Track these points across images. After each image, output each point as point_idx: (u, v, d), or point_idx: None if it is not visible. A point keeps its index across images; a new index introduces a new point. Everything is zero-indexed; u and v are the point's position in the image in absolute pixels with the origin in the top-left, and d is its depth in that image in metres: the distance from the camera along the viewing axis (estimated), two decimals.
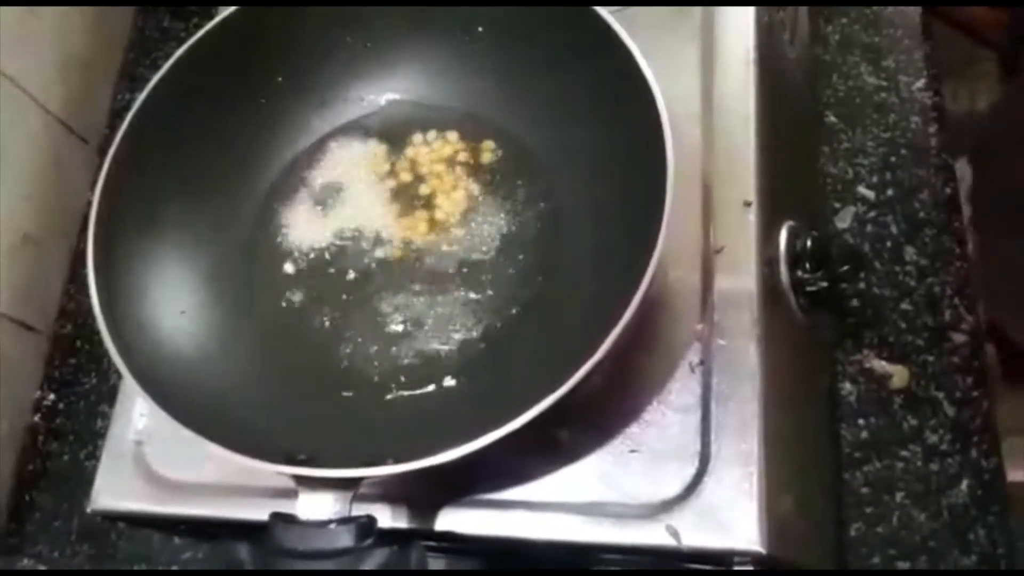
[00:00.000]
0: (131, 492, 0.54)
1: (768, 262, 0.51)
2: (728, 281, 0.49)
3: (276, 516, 0.42)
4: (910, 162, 0.68)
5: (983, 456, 0.58)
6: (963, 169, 0.90)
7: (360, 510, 0.43)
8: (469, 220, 0.55)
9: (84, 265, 0.50)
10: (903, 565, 0.57)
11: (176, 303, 0.53)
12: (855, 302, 0.64)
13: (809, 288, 0.53)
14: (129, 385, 0.47)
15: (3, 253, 0.73)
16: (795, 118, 0.65)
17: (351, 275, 0.55)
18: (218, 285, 0.55)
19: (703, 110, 0.54)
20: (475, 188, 0.56)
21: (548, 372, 0.43)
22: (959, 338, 0.62)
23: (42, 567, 0.69)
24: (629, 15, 0.52)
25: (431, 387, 0.51)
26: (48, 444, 0.74)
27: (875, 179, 0.68)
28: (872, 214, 0.67)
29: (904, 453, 0.59)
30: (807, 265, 0.53)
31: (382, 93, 0.61)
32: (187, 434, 0.44)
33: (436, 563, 0.52)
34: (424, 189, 0.57)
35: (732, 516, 0.44)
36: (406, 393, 0.51)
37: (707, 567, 0.47)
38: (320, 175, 0.59)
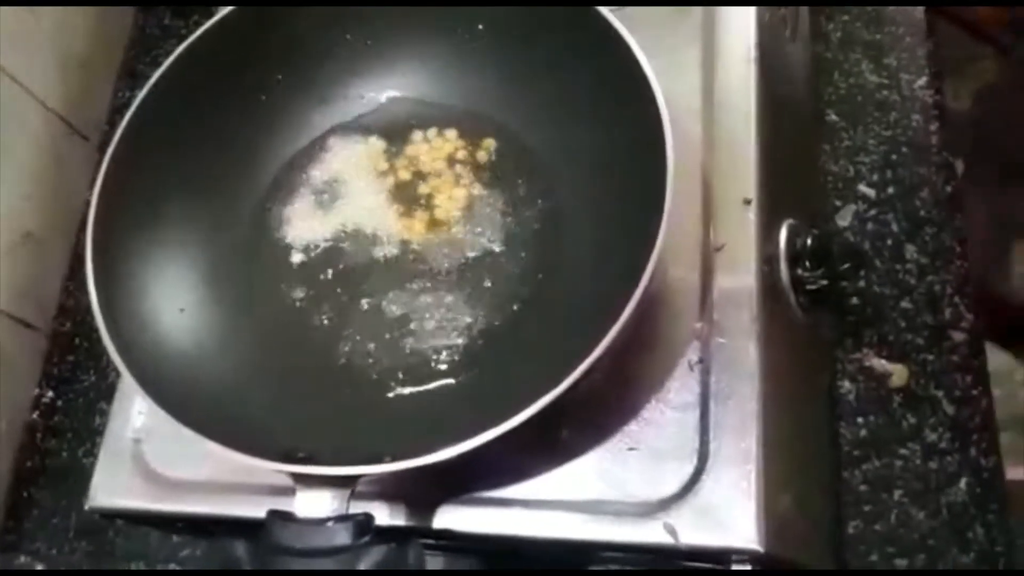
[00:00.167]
0: (129, 490, 0.54)
1: (768, 260, 0.50)
2: (728, 279, 0.49)
3: (273, 514, 0.42)
4: (911, 160, 0.68)
5: (982, 455, 0.58)
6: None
7: (358, 508, 0.43)
8: (469, 218, 0.55)
9: (83, 263, 0.50)
10: (902, 563, 0.57)
11: (175, 301, 0.53)
12: (855, 300, 0.64)
13: (809, 286, 0.53)
14: (128, 383, 0.47)
15: (3, 250, 0.73)
16: (796, 116, 0.65)
17: (351, 273, 0.55)
18: (217, 283, 0.55)
19: (704, 108, 0.54)
20: (475, 186, 0.56)
21: (547, 370, 0.43)
22: (959, 336, 0.62)
23: (39, 566, 0.69)
24: (629, 13, 0.52)
25: (430, 385, 0.51)
26: (47, 441, 0.74)
27: (876, 177, 0.68)
28: (873, 212, 0.67)
29: (903, 451, 0.59)
30: (807, 263, 0.53)
31: (382, 91, 0.61)
32: (185, 432, 0.44)
33: (434, 561, 0.52)
34: (424, 187, 0.57)
35: (730, 515, 0.44)
36: (405, 391, 0.51)
37: (705, 565, 0.47)
38: (320, 173, 0.59)
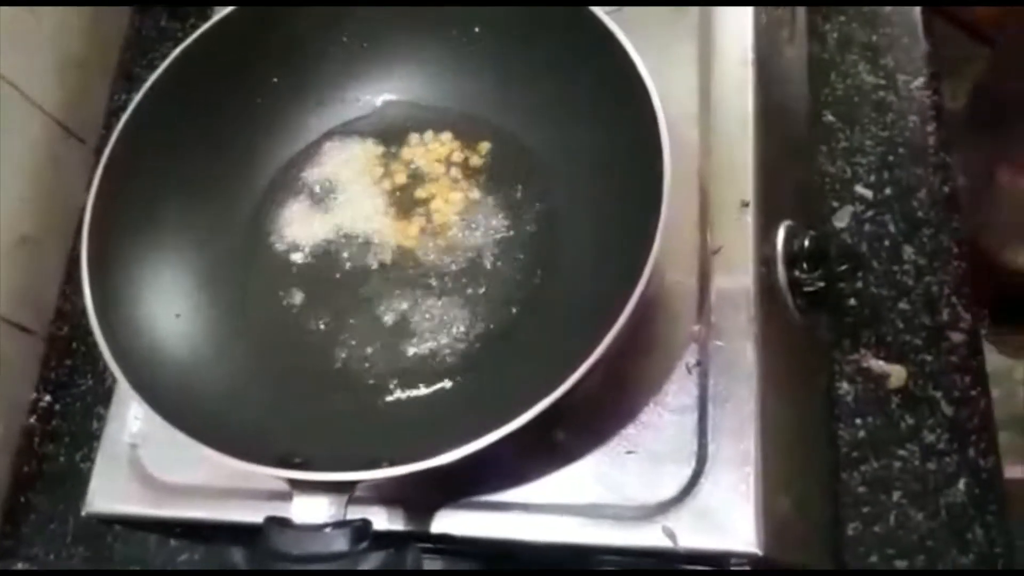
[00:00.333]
0: (126, 495, 0.54)
1: (765, 262, 0.50)
2: (725, 281, 0.49)
3: (271, 520, 0.42)
4: (908, 161, 0.68)
5: (981, 455, 0.58)
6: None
7: (356, 512, 0.43)
8: (466, 221, 0.55)
9: (80, 267, 0.50)
10: (901, 564, 0.57)
11: (171, 306, 0.53)
12: (853, 301, 0.64)
13: (807, 288, 0.53)
14: (124, 388, 0.47)
15: (0, 254, 0.73)
16: (793, 117, 0.65)
17: (347, 277, 0.55)
18: (213, 288, 0.55)
19: (700, 110, 0.54)
20: (472, 189, 0.56)
21: (545, 373, 0.43)
22: (957, 337, 0.62)
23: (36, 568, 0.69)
24: (626, 14, 0.52)
25: (427, 389, 0.51)
26: (44, 446, 0.74)
27: (873, 178, 0.68)
28: (870, 213, 0.66)
29: (902, 452, 0.59)
30: (805, 265, 0.53)
31: (379, 94, 0.61)
32: (182, 438, 0.44)
33: (432, 565, 0.52)
34: (421, 190, 0.57)
35: (729, 517, 0.44)
36: (402, 395, 0.51)
37: (704, 568, 0.47)
38: (317, 176, 0.59)
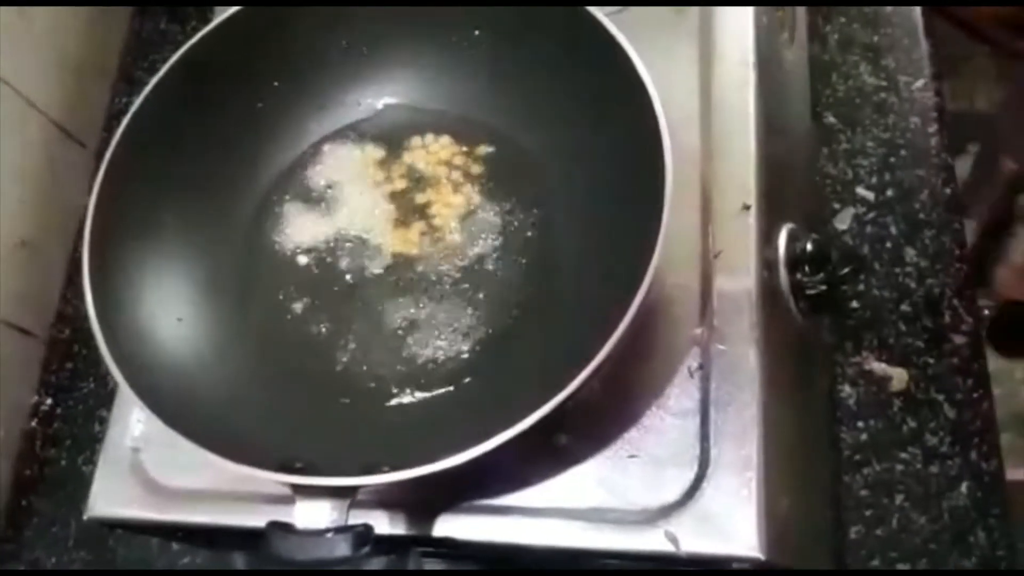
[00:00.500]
0: (128, 499, 0.53)
1: (767, 265, 0.50)
2: (727, 285, 0.49)
3: (273, 525, 0.42)
4: (910, 162, 0.68)
5: (983, 458, 0.58)
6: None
7: (358, 516, 0.43)
8: (466, 225, 0.55)
9: (81, 270, 0.50)
10: (903, 568, 0.57)
11: (173, 310, 0.53)
12: (854, 304, 0.64)
13: (809, 291, 0.53)
14: (126, 392, 0.47)
15: (0, 258, 0.73)
16: (794, 119, 0.65)
17: (348, 281, 0.55)
18: (215, 292, 0.55)
19: (701, 112, 0.54)
20: (472, 193, 0.56)
21: (547, 378, 0.43)
22: (959, 340, 0.62)
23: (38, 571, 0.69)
24: (626, 16, 0.52)
25: (429, 393, 0.51)
26: (46, 449, 0.74)
27: (874, 180, 0.68)
28: (871, 215, 0.66)
29: (904, 456, 0.59)
30: (807, 268, 0.53)
31: (379, 97, 0.60)
32: (184, 442, 0.44)
33: (434, 567, 0.52)
34: (421, 194, 0.57)
35: (731, 522, 0.44)
36: (403, 399, 0.51)
37: (706, 571, 0.47)
38: (317, 179, 0.59)
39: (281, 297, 0.55)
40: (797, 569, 0.49)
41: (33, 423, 0.75)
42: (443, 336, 0.52)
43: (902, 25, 0.73)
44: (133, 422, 0.55)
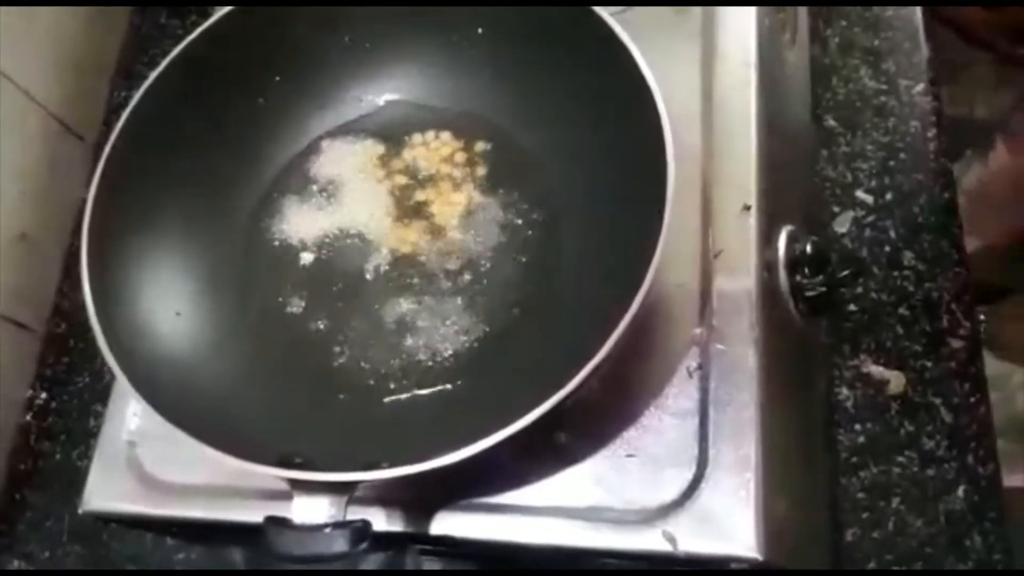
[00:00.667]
0: (124, 493, 0.53)
1: (767, 266, 0.50)
2: (727, 285, 0.49)
3: (271, 520, 0.42)
4: (909, 166, 0.68)
5: (980, 462, 0.58)
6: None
7: (355, 512, 0.43)
8: (467, 223, 0.55)
9: (78, 264, 0.50)
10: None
11: (171, 304, 0.53)
12: (853, 307, 0.64)
13: (808, 293, 0.53)
14: (123, 386, 0.46)
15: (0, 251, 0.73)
16: (794, 121, 0.65)
17: (348, 277, 0.55)
18: (214, 286, 0.55)
19: (703, 112, 0.54)
20: (473, 191, 0.56)
21: (546, 376, 0.43)
22: (956, 344, 0.62)
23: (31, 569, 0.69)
24: (629, 15, 0.52)
25: (428, 390, 0.51)
26: (40, 443, 0.74)
27: (874, 183, 0.68)
28: (871, 218, 0.66)
29: (901, 459, 0.59)
30: (806, 270, 0.53)
31: (381, 94, 0.60)
32: (181, 436, 0.44)
33: (432, 565, 0.52)
34: (422, 191, 0.57)
35: (729, 522, 0.44)
36: (402, 396, 0.51)
37: (704, 571, 0.47)
38: (318, 176, 0.59)
39: (280, 293, 0.55)
40: (794, 569, 0.49)
41: (28, 417, 0.75)
42: (442, 333, 0.52)
43: (903, 29, 0.73)
44: (129, 416, 0.55)
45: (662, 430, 0.47)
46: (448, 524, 0.47)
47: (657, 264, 0.43)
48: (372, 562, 0.41)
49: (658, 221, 0.44)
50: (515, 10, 0.55)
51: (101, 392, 0.72)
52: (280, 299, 0.55)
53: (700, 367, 0.48)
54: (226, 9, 0.56)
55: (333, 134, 0.60)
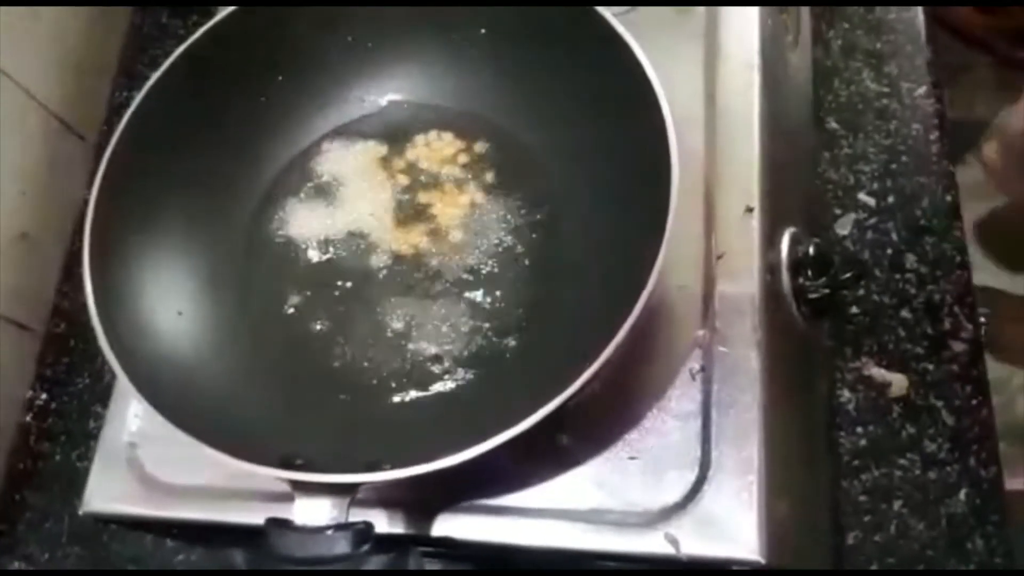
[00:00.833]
0: (124, 495, 0.53)
1: (770, 269, 0.50)
2: (730, 287, 0.49)
3: (272, 522, 0.42)
4: (911, 169, 0.68)
5: (982, 465, 0.58)
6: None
7: (357, 514, 0.43)
8: (469, 224, 0.55)
9: (79, 264, 0.50)
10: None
11: (173, 304, 0.53)
12: (855, 309, 0.64)
13: (811, 295, 0.53)
14: (124, 386, 0.46)
15: (0, 251, 0.73)
16: (797, 123, 0.65)
17: (350, 278, 0.55)
18: (216, 287, 0.55)
19: (706, 113, 0.54)
20: (476, 192, 0.56)
21: (548, 378, 0.42)
22: (958, 347, 0.62)
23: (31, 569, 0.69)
24: (632, 16, 0.52)
25: (429, 391, 0.51)
26: (40, 444, 0.73)
27: (876, 186, 0.68)
28: (873, 221, 0.66)
29: (902, 461, 0.59)
30: (809, 272, 0.53)
31: (383, 94, 0.60)
32: (183, 437, 0.44)
33: (434, 567, 0.52)
34: (424, 192, 0.57)
35: (731, 525, 0.44)
36: (404, 397, 0.51)
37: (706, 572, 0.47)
38: (320, 176, 0.59)
39: (282, 293, 0.55)
40: (796, 570, 0.49)
41: (28, 417, 0.75)
42: (445, 334, 0.52)
43: (905, 32, 0.73)
44: (130, 417, 0.55)
45: (664, 432, 0.47)
46: (450, 526, 0.47)
47: (660, 266, 0.43)
48: (374, 564, 0.40)
49: (661, 223, 0.44)
50: (517, 10, 0.55)
51: (101, 393, 0.72)
52: (282, 299, 0.55)
53: (703, 369, 0.48)
54: (228, 9, 0.56)
55: (335, 134, 0.60)
